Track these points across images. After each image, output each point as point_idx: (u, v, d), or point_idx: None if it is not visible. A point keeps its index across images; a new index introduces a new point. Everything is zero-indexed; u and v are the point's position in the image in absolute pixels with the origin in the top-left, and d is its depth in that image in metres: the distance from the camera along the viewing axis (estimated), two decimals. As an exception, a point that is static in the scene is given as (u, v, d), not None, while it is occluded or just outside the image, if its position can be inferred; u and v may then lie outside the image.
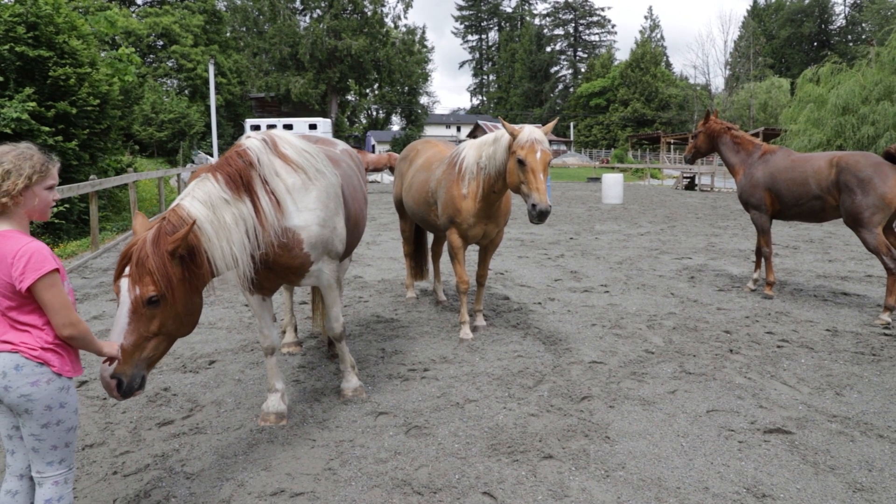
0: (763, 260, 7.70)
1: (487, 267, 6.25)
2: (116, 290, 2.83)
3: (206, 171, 3.38)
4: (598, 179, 33.32)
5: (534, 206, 4.77)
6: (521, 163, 4.88)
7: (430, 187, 6.00)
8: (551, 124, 5.58)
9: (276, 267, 3.73)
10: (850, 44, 69.12)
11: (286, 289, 5.55)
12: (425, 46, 67.96)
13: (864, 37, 67.13)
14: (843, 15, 79.38)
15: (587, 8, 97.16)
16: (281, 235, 3.57)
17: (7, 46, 11.76)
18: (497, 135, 5.30)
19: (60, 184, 6.56)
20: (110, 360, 2.57)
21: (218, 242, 3.16)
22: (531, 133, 4.95)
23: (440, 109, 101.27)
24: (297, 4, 57.44)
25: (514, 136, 5.00)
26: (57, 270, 2.25)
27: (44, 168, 2.34)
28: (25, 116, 11.23)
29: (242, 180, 3.40)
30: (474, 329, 6.11)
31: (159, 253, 2.82)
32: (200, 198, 3.23)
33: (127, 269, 2.81)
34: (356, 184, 4.71)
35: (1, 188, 2.24)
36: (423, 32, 70.57)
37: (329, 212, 3.84)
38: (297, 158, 3.74)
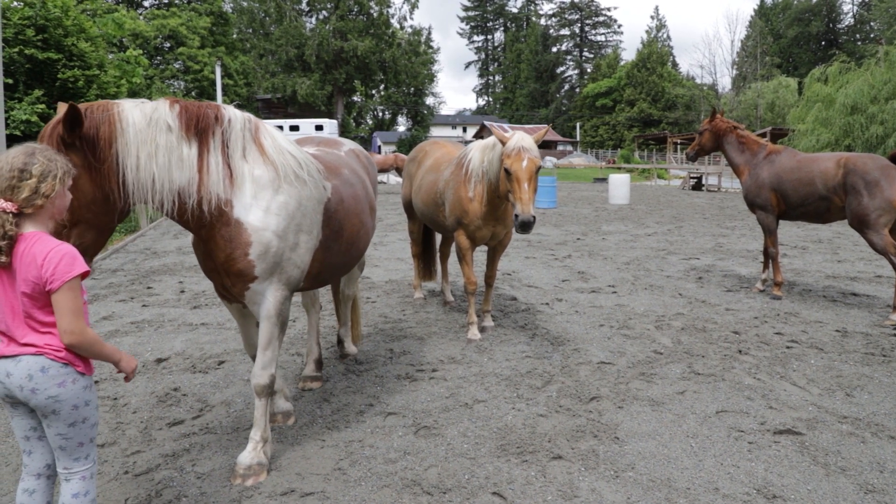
0: (770, 260, 7.68)
1: (496, 268, 6.23)
2: None
3: (166, 98, 3.09)
4: (604, 180, 33.29)
5: (516, 216, 4.70)
6: (506, 171, 4.83)
7: (439, 188, 6.01)
8: (543, 132, 5.52)
9: (218, 263, 3.26)
10: (859, 43, 68.81)
11: (310, 311, 4.87)
12: (431, 47, 68.20)
13: (872, 36, 66.82)
14: (851, 14, 79.05)
15: (593, 8, 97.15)
16: (224, 205, 3.11)
17: (16, 49, 11.85)
18: (496, 139, 5.27)
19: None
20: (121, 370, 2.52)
21: (136, 151, 2.83)
22: (518, 141, 4.87)
23: (446, 110, 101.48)
24: (304, 6, 57.65)
25: (503, 143, 4.95)
26: (82, 275, 2.26)
27: (68, 167, 2.33)
28: (34, 118, 11.33)
29: (198, 124, 3.07)
30: (482, 329, 6.10)
31: (52, 135, 2.62)
32: (145, 109, 2.93)
33: None
34: (360, 192, 4.15)
35: (40, 191, 2.21)
36: (429, 33, 70.84)
37: (293, 225, 3.32)
38: (274, 155, 3.33)
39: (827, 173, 6.86)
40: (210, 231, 3.17)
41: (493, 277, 6.22)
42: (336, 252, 3.81)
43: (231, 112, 3.27)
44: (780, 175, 7.30)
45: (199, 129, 3.08)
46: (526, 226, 4.67)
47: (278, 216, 3.24)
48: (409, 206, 7.14)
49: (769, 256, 7.67)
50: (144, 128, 2.88)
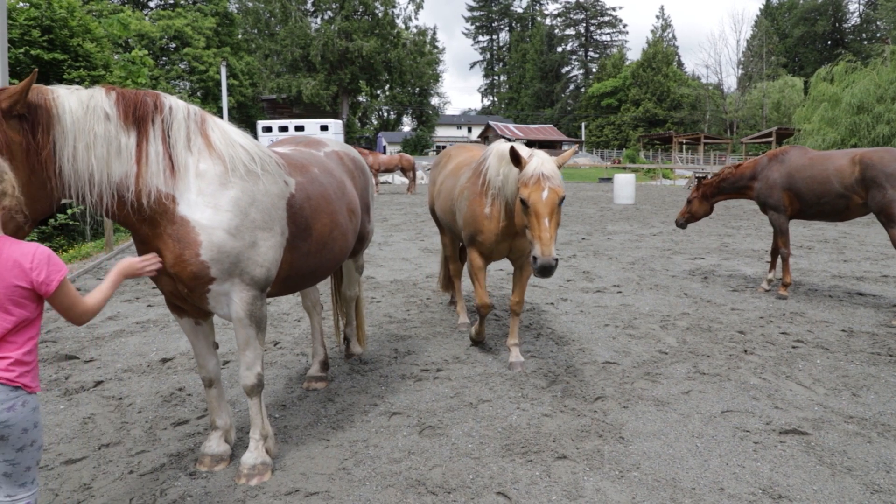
0: (781, 260, 7.65)
1: (524, 291, 5.16)
2: None
3: (101, 86, 2.93)
4: (609, 180, 33.22)
5: (534, 258, 3.95)
6: (523, 202, 4.12)
7: (454, 195, 5.43)
8: (569, 153, 4.78)
9: (168, 267, 3.02)
10: (865, 42, 68.51)
11: (311, 313, 4.88)
12: (436, 47, 68.21)
13: (878, 35, 66.53)
14: (857, 13, 78.62)
15: (598, 8, 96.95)
16: (165, 199, 2.93)
17: (22, 50, 11.91)
18: (513, 154, 4.42)
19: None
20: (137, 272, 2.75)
21: (73, 140, 2.67)
22: (538, 166, 4.11)
23: (451, 110, 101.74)
24: (309, 6, 57.81)
25: (519, 167, 4.23)
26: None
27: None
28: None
29: (136, 112, 2.89)
30: (510, 366, 5.09)
31: None
32: (81, 96, 2.76)
33: None
34: (332, 192, 3.88)
35: (6, 191, 2.17)
36: (434, 33, 71.04)
37: (247, 222, 3.10)
38: (223, 148, 3.11)
39: (843, 171, 6.80)
40: (155, 229, 2.99)
41: (520, 304, 5.14)
42: (305, 253, 3.60)
43: (171, 101, 3.08)
44: (792, 174, 7.23)
45: (138, 118, 2.90)
46: (546, 270, 3.91)
47: (230, 213, 3.05)
48: (434, 214, 6.65)
49: (780, 257, 7.64)
50: (82, 116, 2.72)
